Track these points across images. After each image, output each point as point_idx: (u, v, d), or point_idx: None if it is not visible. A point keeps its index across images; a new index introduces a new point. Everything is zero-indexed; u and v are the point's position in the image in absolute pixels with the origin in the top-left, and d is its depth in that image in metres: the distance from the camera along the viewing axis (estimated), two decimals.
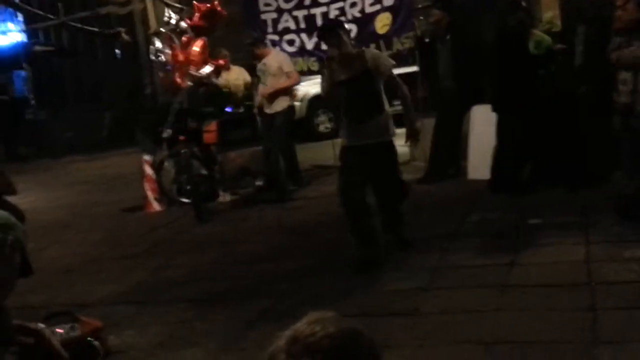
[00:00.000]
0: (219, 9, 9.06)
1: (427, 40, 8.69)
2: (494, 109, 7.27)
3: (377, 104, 5.48)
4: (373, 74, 5.44)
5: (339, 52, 5.50)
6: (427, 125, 8.54)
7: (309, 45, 8.93)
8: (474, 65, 7.94)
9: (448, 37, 8.13)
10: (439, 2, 8.33)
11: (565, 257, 5.21)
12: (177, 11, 9.41)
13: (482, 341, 4.08)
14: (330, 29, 5.76)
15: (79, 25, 16.08)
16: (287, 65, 8.43)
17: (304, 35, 8.98)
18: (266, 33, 9.10)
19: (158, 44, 8.96)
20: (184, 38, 8.80)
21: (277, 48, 8.97)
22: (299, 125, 12.39)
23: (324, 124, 12.89)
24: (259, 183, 8.74)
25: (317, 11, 8.89)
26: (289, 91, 8.57)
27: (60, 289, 6.06)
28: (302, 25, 8.98)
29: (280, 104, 8.40)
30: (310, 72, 9.27)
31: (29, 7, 17.14)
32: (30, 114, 18.13)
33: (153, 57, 9.28)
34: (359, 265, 5.47)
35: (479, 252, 5.63)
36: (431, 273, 5.29)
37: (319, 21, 8.81)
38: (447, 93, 8.21)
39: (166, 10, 9.43)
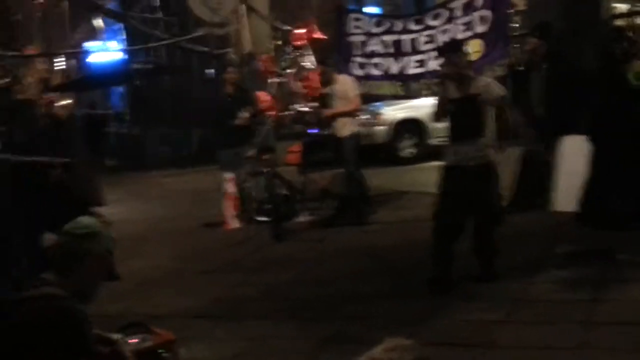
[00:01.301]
0: (317, 34, 9.20)
1: (520, 68, 8.49)
2: (591, 139, 6.99)
3: (479, 127, 5.62)
4: (481, 100, 5.60)
5: (455, 71, 5.70)
6: (515, 153, 8.33)
7: (394, 69, 8.87)
8: (568, 94, 7.70)
9: (544, 66, 7.92)
10: (537, 30, 8.13)
11: None
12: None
13: None
14: (452, 48, 6.04)
15: (189, 46, 16.50)
16: (352, 90, 8.50)
17: (390, 59, 8.93)
18: (352, 55, 9.08)
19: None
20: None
21: (361, 82, 8.93)
22: (383, 150, 12.36)
23: (408, 149, 12.76)
24: (333, 206, 8.75)
25: (407, 37, 8.83)
26: (354, 116, 8.57)
27: (137, 300, 6.16)
28: (390, 50, 8.93)
29: (348, 128, 8.42)
30: (396, 97, 9.21)
31: (142, 27, 17.66)
32: (125, 128, 18.82)
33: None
34: (429, 285, 5.57)
35: (563, 286, 5.42)
36: (512, 305, 5.12)
37: (407, 47, 8.76)
38: (538, 122, 7.99)
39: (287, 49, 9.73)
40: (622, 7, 12.91)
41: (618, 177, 6.80)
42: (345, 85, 8.50)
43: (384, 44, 8.95)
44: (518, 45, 10.11)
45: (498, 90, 5.80)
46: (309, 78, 10.74)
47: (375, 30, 9.04)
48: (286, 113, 11.16)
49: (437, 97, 5.95)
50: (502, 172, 8.61)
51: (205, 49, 16.54)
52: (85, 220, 2.98)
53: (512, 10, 11.35)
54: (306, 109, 9.65)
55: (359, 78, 8.92)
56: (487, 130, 5.66)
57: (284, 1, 16.10)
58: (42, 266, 5.19)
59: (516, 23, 12.00)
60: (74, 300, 2.70)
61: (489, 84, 5.83)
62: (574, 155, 7.68)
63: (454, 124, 5.75)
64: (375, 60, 8.94)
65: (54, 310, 2.61)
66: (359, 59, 9.04)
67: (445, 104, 5.73)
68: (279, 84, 11.54)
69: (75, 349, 2.61)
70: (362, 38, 9.07)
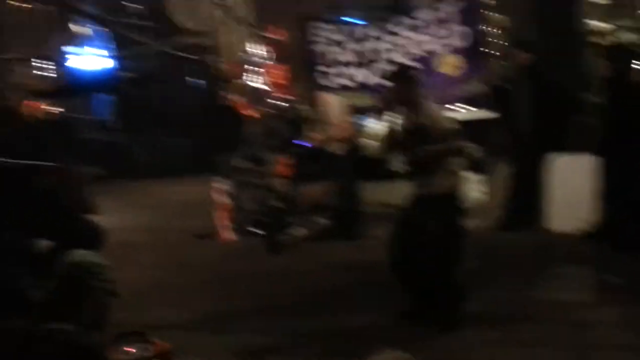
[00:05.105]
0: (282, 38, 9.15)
1: (502, 85, 8.57)
2: (605, 159, 7.04)
3: (431, 159, 5.17)
4: (428, 130, 5.13)
5: (400, 99, 5.31)
6: (503, 171, 8.41)
7: (359, 77, 8.80)
8: (555, 110, 7.81)
9: (526, 82, 8.01)
10: (523, 44, 8.22)
11: None
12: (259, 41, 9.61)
13: None
14: (402, 76, 5.52)
15: (177, 53, 16.44)
16: (339, 114, 8.26)
17: (352, 68, 8.88)
18: (316, 65, 9.04)
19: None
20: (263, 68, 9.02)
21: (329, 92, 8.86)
22: (373, 164, 12.34)
23: (398, 162, 12.78)
24: (328, 219, 8.75)
25: (369, 47, 8.80)
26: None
27: (129, 310, 6.08)
28: (351, 59, 8.89)
29: (339, 145, 8.32)
30: (362, 109, 9.18)
31: (128, 33, 17.55)
32: (112, 136, 18.74)
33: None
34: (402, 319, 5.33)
35: (558, 307, 5.47)
36: (507, 326, 5.15)
37: (369, 55, 8.72)
38: (525, 139, 8.07)
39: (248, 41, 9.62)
40: (599, 25, 13.07)
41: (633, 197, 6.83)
42: (330, 108, 8.29)
43: (346, 53, 8.88)
44: (500, 62, 10.15)
45: (442, 121, 5.24)
46: (271, 73, 10.63)
47: (336, 37, 8.98)
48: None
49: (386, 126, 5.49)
50: (491, 191, 8.79)
51: (195, 57, 16.50)
52: (82, 256, 3.03)
53: (496, 28, 11.41)
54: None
55: (323, 89, 8.77)
56: (446, 159, 5.17)
57: (265, 11, 16.11)
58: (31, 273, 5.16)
59: (500, 40, 12.14)
60: (90, 335, 2.77)
61: (435, 113, 5.26)
62: (564, 174, 7.80)
63: (409, 155, 5.33)
64: (337, 69, 8.88)
65: (69, 348, 2.64)
66: (321, 69, 8.97)
67: (395, 135, 5.32)
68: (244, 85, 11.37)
69: None
70: (323, 47, 8.99)
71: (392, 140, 5.43)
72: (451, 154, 5.20)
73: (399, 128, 5.31)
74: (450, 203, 5.21)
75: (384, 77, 6.46)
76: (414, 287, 5.32)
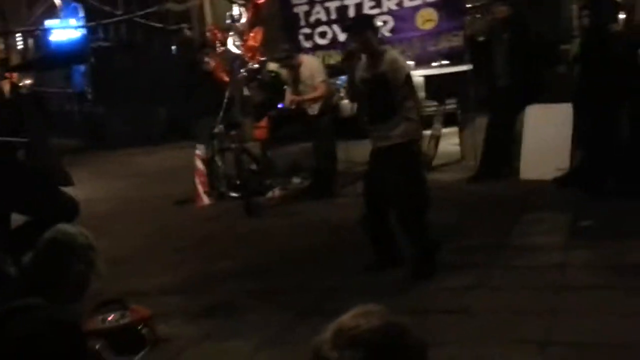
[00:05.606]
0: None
1: (481, 39, 8.52)
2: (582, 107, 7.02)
3: (393, 106, 5.19)
4: (388, 78, 5.19)
5: (362, 49, 5.35)
6: (480, 123, 8.42)
7: (342, 37, 8.74)
8: (533, 63, 7.80)
9: (504, 35, 7.98)
10: None
11: (620, 261, 5.08)
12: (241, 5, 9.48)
13: (535, 342, 4.01)
14: (362, 25, 5.54)
15: (143, 21, 16.27)
16: (318, 75, 8.31)
17: (335, 27, 8.80)
18: (298, 27, 8.98)
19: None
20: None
21: (310, 54, 8.81)
22: (349, 123, 12.34)
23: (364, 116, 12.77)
24: (304, 180, 8.74)
25: (351, 2, 8.73)
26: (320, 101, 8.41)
27: (112, 278, 6.06)
28: (334, 17, 8.82)
29: (317, 106, 8.34)
30: (338, 68, 9.11)
31: (97, 4, 17.36)
32: (88, 107, 18.59)
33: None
34: (368, 266, 5.43)
35: (531, 252, 5.52)
36: (482, 272, 5.20)
37: (352, 12, 8.64)
38: (501, 92, 8.08)
39: (234, 7, 9.50)
40: None
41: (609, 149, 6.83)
42: (310, 69, 8.34)
43: (327, 11, 8.82)
44: (479, 15, 10.12)
45: (403, 69, 5.28)
46: (250, 37, 10.58)
47: None
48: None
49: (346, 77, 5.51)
50: (466, 143, 8.82)
51: (161, 25, 16.34)
52: (63, 231, 2.93)
53: None
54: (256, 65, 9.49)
55: (306, 50, 8.80)
56: (404, 107, 5.20)
57: None
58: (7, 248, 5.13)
59: None
60: (64, 310, 2.68)
61: (395, 61, 5.29)
62: (538, 124, 7.84)
63: (368, 105, 5.36)
64: (320, 29, 8.84)
65: (46, 323, 2.55)
66: (304, 30, 8.92)
67: (356, 85, 5.37)
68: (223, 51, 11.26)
69: None
70: (305, 8, 8.92)
71: (353, 91, 5.50)
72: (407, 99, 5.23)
73: (361, 79, 5.34)
74: (406, 152, 5.23)
75: (346, 28, 6.43)
76: (382, 238, 5.42)
